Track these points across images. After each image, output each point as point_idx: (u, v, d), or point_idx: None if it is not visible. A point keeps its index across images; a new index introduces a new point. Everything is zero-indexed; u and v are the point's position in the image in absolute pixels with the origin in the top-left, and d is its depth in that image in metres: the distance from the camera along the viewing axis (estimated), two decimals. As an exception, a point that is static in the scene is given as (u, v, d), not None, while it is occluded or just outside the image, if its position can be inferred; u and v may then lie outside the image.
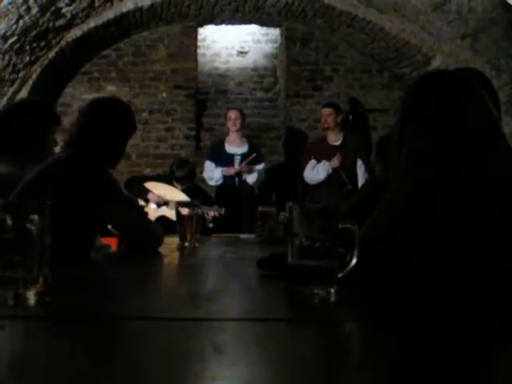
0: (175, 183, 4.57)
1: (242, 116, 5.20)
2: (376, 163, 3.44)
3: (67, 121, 6.17)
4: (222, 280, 1.62)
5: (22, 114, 2.43)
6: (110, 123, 2.23)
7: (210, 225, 4.37)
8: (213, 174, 5.06)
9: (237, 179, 5.11)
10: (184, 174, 4.58)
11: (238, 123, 5.12)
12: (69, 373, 0.68)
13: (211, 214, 4.43)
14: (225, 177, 5.08)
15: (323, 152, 5.13)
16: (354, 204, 2.21)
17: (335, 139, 5.24)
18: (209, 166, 5.12)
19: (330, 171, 5.10)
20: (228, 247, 2.67)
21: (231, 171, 5.01)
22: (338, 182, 5.06)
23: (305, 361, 0.74)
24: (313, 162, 5.15)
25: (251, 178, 5.06)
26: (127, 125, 2.32)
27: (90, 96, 5.59)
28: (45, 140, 2.45)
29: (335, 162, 5.09)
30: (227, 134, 5.25)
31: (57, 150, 2.48)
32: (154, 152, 6.54)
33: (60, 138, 2.47)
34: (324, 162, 5.12)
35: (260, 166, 5.06)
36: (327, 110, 5.23)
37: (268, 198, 5.25)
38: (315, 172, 5.14)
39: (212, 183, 5.13)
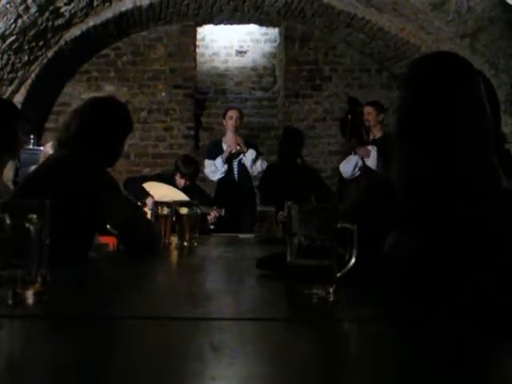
0: (179, 179, 4.56)
1: (241, 116, 5.21)
2: (378, 162, 3.45)
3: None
4: (221, 280, 1.62)
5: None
6: (106, 122, 2.23)
7: (212, 226, 4.37)
8: (215, 166, 5.05)
9: (236, 178, 5.11)
10: (191, 171, 4.61)
11: (239, 123, 5.12)
12: (67, 372, 0.68)
13: (213, 214, 4.43)
14: (225, 176, 5.08)
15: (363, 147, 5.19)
16: (353, 203, 2.21)
17: (375, 136, 5.27)
18: (209, 162, 5.11)
19: (360, 164, 5.12)
20: (227, 247, 2.67)
21: (229, 149, 5.01)
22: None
23: (303, 360, 0.74)
24: (351, 156, 5.24)
25: (254, 168, 5.07)
26: (124, 124, 2.32)
27: (88, 95, 5.58)
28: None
29: (363, 151, 5.12)
30: (224, 134, 5.24)
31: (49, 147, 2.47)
32: (152, 151, 6.54)
33: (55, 138, 2.46)
34: (353, 154, 5.18)
35: (252, 152, 5.07)
36: (368, 108, 5.27)
37: (267, 198, 5.25)
38: (343, 164, 5.23)
39: (217, 175, 5.10)
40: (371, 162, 5.08)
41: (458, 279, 1.23)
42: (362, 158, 5.17)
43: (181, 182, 4.56)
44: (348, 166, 5.24)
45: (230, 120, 5.10)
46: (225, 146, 5.09)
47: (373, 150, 5.08)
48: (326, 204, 1.39)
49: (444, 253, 1.27)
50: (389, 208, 1.34)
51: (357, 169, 5.16)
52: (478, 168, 1.32)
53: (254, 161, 5.07)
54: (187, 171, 4.57)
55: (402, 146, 1.40)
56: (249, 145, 5.11)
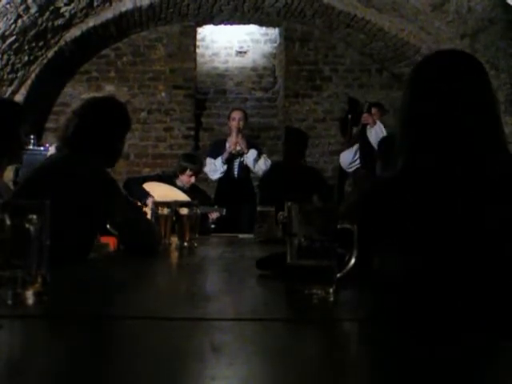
0: (187, 177, 4.56)
1: (246, 117, 5.21)
2: (377, 162, 3.44)
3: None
4: (221, 280, 1.62)
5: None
6: (105, 122, 2.23)
7: (212, 226, 4.38)
8: (214, 165, 5.06)
9: (236, 178, 5.12)
10: (200, 166, 4.67)
11: (242, 124, 5.12)
12: (67, 373, 0.68)
13: (214, 215, 4.44)
14: (225, 176, 5.08)
15: (362, 147, 5.15)
16: (353, 203, 2.21)
17: (374, 135, 5.23)
18: (210, 161, 5.12)
19: (358, 155, 5.09)
20: (227, 247, 2.67)
21: (229, 150, 5.02)
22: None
23: (304, 360, 0.74)
24: (350, 148, 5.23)
25: (257, 167, 5.07)
26: (122, 123, 2.32)
27: (88, 96, 5.58)
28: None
29: (366, 117, 5.09)
30: (229, 135, 5.23)
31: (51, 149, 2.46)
32: (152, 152, 6.53)
33: (54, 138, 2.46)
34: (352, 148, 5.16)
35: (253, 152, 5.08)
36: (372, 109, 5.23)
37: (268, 198, 5.25)
38: (343, 153, 5.22)
39: (217, 175, 5.11)
40: (373, 134, 4.96)
41: (458, 279, 1.23)
42: (363, 136, 5.10)
43: (187, 179, 4.56)
44: (348, 155, 5.22)
45: (233, 121, 5.11)
46: (228, 146, 5.10)
47: (378, 124, 5.03)
48: (326, 204, 1.39)
49: (444, 252, 1.27)
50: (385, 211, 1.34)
51: (357, 156, 5.13)
52: (491, 163, 1.32)
53: (257, 160, 5.07)
54: (196, 167, 4.61)
55: (408, 140, 1.39)
56: (251, 146, 5.12)
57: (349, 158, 5.20)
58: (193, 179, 4.57)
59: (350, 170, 5.30)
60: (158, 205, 2.47)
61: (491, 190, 1.29)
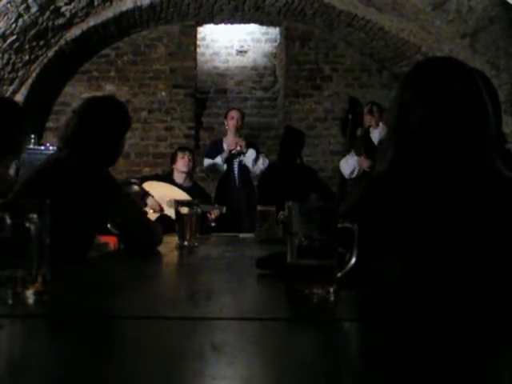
0: (181, 159, 4.63)
1: (243, 117, 5.21)
2: (377, 162, 3.43)
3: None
4: (221, 279, 1.61)
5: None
6: (104, 121, 2.23)
7: (212, 224, 4.37)
8: (213, 165, 5.06)
9: (236, 178, 5.11)
10: (188, 148, 4.88)
11: (240, 123, 5.12)
12: (67, 372, 0.68)
13: (214, 213, 4.44)
14: (225, 176, 5.08)
15: (368, 149, 5.09)
16: (353, 202, 2.21)
17: (378, 137, 5.19)
18: (208, 161, 5.12)
19: (357, 167, 5.05)
20: (227, 246, 2.66)
21: (228, 149, 5.02)
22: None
23: (304, 360, 0.74)
24: (350, 155, 5.17)
25: (256, 167, 5.07)
26: (122, 122, 2.31)
27: (89, 95, 5.58)
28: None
29: (365, 163, 5.03)
30: (225, 134, 5.24)
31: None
32: (153, 151, 6.54)
33: (55, 138, 2.47)
34: (352, 154, 5.10)
35: (252, 152, 5.07)
36: (373, 108, 5.21)
37: (268, 197, 5.25)
38: (343, 162, 5.19)
39: (216, 174, 5.13)
40: (377, 136, 4.89)
41: (458, 278, 1.23)
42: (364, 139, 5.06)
43: (182, 162, 4.61)
44: (350, 162, 5.17)
45: (232, 120, 5.10)
46: (225, 146, 5.09)
47: (382, 125, 4.95)
48: (326, 204, 1.39)
49: (439, 251, 1.27)
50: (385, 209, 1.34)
51: (355, 172, 5.09)
52: (481, 162, 1.33)
53: (255, 160, 5.07)
54: (185, 148, 4.73)
55: (401, 142, 1.40)
56: (249, 145, 5.11)
57: (349, 167, 5.14)
58: (186, 159, 4.61)
59: (353, 177, 5.22)
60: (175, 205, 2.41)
61: (481, 192, 1.30)
